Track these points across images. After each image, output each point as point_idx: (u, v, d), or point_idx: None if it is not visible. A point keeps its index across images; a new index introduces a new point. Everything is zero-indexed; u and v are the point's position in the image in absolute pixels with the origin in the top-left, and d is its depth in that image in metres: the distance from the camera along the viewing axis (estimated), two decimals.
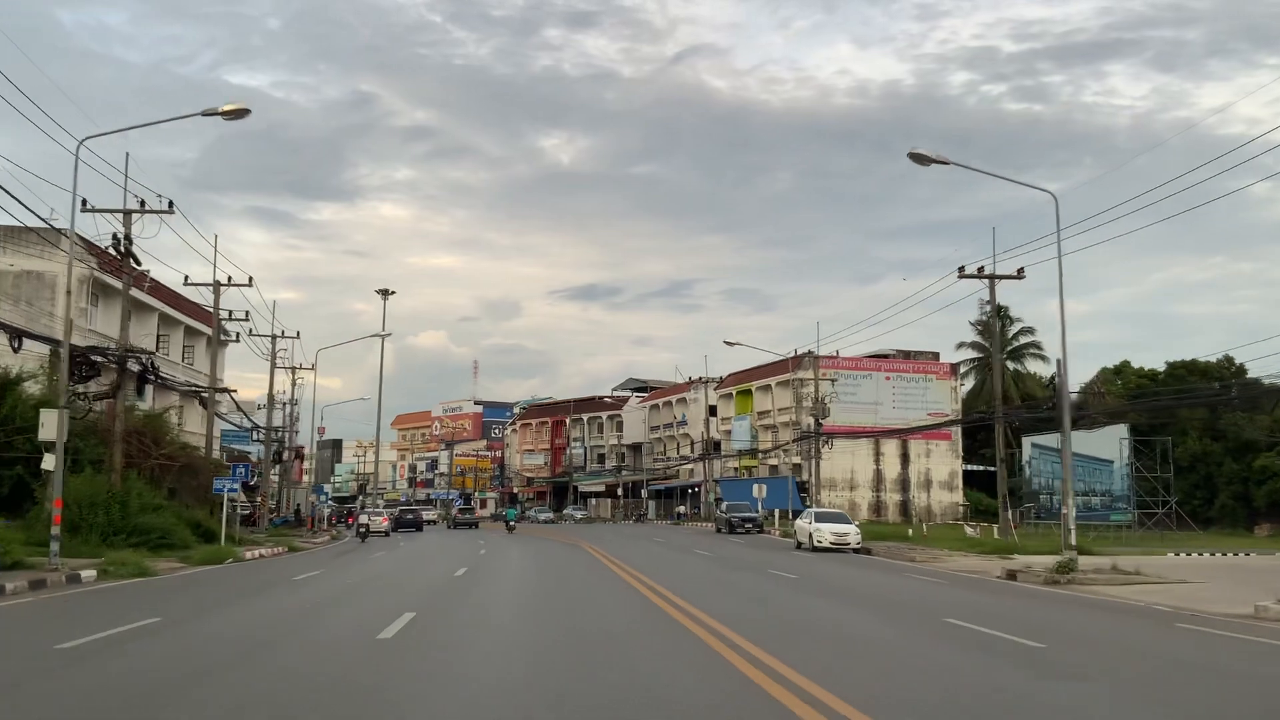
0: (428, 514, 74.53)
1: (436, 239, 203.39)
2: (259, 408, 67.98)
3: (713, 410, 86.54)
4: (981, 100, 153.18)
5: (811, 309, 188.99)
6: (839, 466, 68.61)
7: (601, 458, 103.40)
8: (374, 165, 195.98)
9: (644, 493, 78.99)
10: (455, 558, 28.74)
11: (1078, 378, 69.47)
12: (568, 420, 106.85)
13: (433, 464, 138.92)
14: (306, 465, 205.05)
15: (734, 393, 79.08)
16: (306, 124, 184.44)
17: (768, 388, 75.00)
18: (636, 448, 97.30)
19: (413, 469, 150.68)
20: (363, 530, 48.20)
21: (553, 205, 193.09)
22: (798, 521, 35.37)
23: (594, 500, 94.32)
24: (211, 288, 39.22)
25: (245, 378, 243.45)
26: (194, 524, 30.85)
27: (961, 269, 34.77)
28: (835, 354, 65.56)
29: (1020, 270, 34.82)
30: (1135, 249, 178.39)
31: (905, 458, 70.71)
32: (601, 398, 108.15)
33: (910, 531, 40.85)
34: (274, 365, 47.81)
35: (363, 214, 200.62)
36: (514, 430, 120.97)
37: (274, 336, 47.85)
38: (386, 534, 52.78)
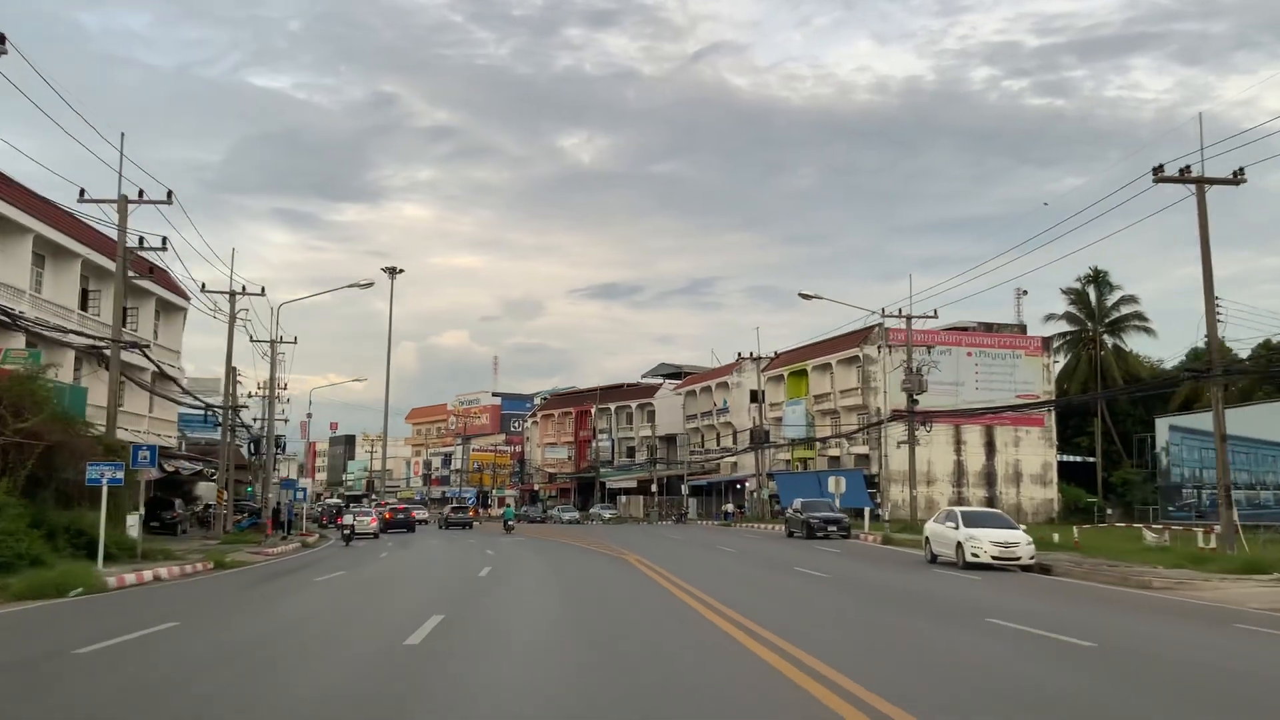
0: (420, 513, 69.01)
1: (458, 239, 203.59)
2: (250, 394, 58.80)
3: (754, 396, 76.50)
4: (1003, 96, 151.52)
5: (830, 306, 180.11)
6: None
7: (631, 451, 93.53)
8: (396, 166, 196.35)
9: (684, 489, 69.13)
10: (435, 585, 18.99)
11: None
12: (594, 410, 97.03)
13: (448, 459, 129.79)
14: (320, 462, 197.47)
15: (785, 374, 68.96)
16: (329, 125, 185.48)
17: (826, 367, 64.85)
18: (670, 439, 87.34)
19: (428, 465, 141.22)
20: (347, 533, 41.94)
21: (574, 204, 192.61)
22: (933, 525, 25.34)
23: (623, 498, 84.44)
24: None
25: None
26: (70, 529, 21.29)
27: (1159, 169, 24.67)
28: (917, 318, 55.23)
29: (1238, 171, 24.78)
30: None
31: (991, 447, 60.40)
32: (631, 385, 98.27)
33: (1057, 537, 30.64)
34: (233, 324, 38.13)
35: (385, 214, 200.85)
36: (534, 422, 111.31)
37: (232, 294, 38.19)
38: (375, 535, 47.20)
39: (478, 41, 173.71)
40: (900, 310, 39.88)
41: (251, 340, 48.70)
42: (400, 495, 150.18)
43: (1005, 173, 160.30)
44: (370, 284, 48.53)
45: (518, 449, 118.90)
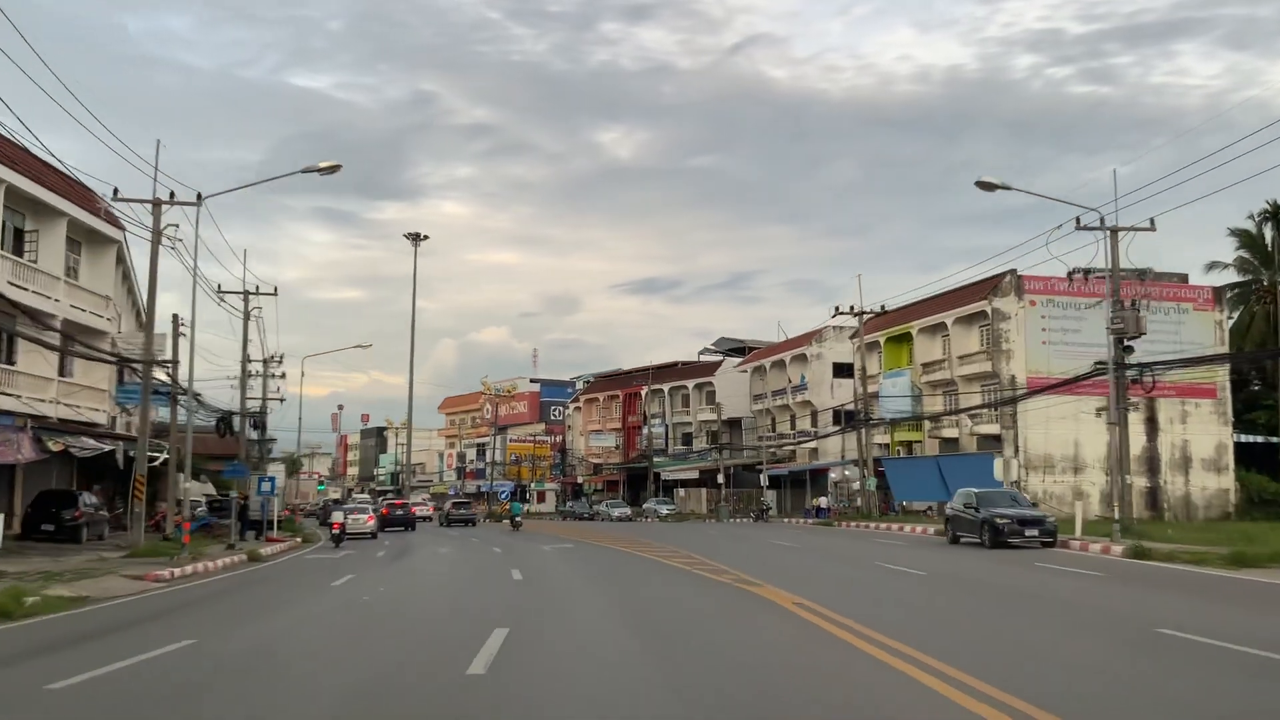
0: (424, 509, 66.21)
1: (497, 235, 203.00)
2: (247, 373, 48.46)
3: (838, 370, 64.53)
4: (1047, 84, 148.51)
5: (875, 299, 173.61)
6: (1056, 439, 46.29)
7: (688, 438, 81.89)
8: (435, 164, 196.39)
9: (763, 480, 57.35)
10: (428, 627, 7.35)
11: None
12: (644, 392, 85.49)
13: (482, 451, 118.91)
14: (351, 456, 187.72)
15: (881, 341, 56.87)
16: (368, 124, 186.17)
17: (937, 329, 52.75)
18: (734, 424, 75.61)
19: (461, 458, 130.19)
20: (336, 533, 35.20)
21: (612, 199, 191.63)
22: None
23: (681, 491, 72.76)
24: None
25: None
26: None
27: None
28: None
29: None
30: None
31: (1152, 424, 47.90)
32: (687, 364, 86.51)
33: None
34: (156, 242, 26.83)
35: (424, 212, 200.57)
36: (576, 408, 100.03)
37: (156, 201, 26.91)
38: (373, 535, 40.85)
39: (515, 38, 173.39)
40: (1102, 219, 27.68)
41: (221, 295, 37.99)
42: (433, 490, 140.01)
43: (1048, 162, 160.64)
44: (334, 168, 26.89)
45: (558, 439, 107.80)
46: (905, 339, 55.04)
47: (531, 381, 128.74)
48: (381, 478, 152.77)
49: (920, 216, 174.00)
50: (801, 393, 65.95)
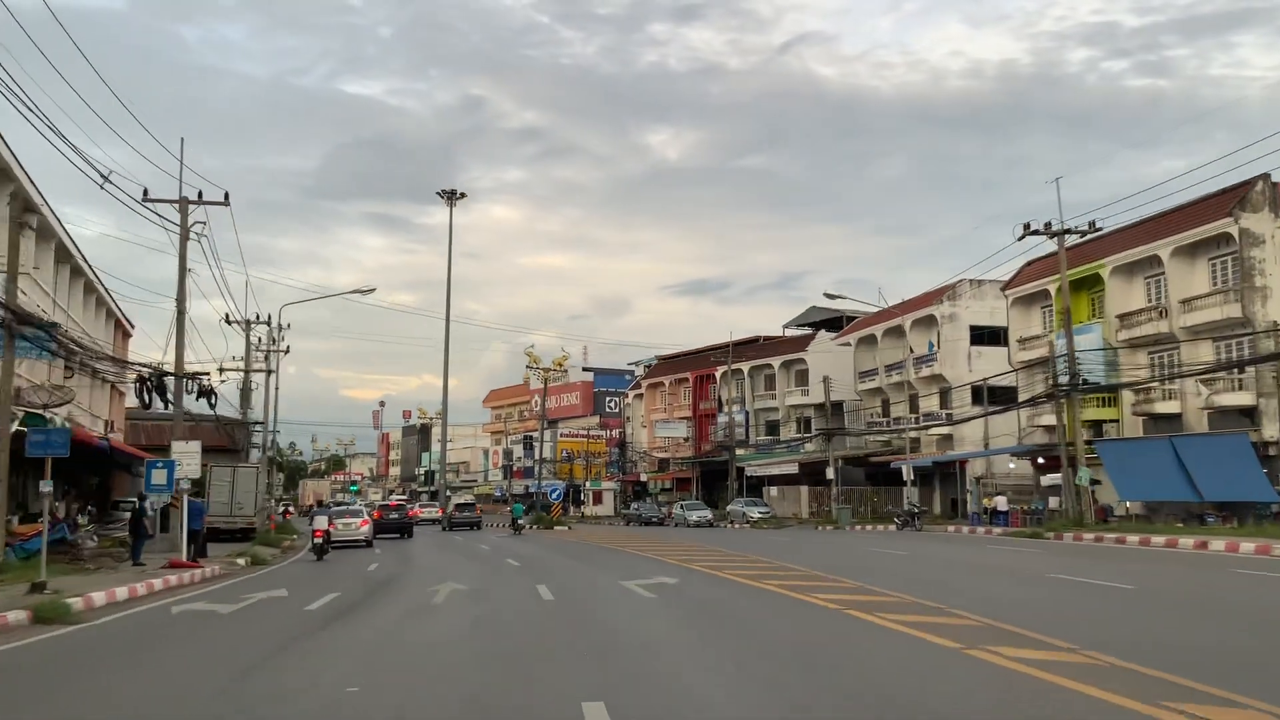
0: (430, 510, 64.40)
1: (547, 238, 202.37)
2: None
3: (981, 335, 50.95)
4: (1102, 78, 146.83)
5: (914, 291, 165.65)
6: None
7: (773, 426, 68.60)
8: (485, 168, 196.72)
9: (907, 473, 43.73)
10: None
11: None
12: (719, 374, 72.33)
13: (529, 444, 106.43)
14: (394, 456, 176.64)
15: (1051, 289, 43.24)
16: (419, 130, 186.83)
17: (1141, 266, 39.02)
18: (833, 409, 62.16)
19: (508, 455, 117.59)
20: (319, 543, 27.19)
21: (661, 201, 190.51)
22: None
23: (773, 489, 59.33)
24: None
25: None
26: None
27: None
28: None
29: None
30: None
31: None
32: (770, 339, 73.08)
33: None
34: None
35: (475, 216, 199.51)
36: (638, 395, 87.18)
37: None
38: (367, 543, 34.37)
39: (564, 41, 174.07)
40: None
41: (148, 201, 26.11)
42: (477, 491, 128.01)
43: (1105, 157, 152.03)
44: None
45: (615, 433, 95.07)
46: (1089, 284, 41.25)
47: (585, 370, 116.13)
48: (422, 478, 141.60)
49: (972, 214, 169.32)
50: (927, 365, 52.34)
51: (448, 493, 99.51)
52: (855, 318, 64.96)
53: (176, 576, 19.09)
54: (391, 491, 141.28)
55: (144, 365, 26.66)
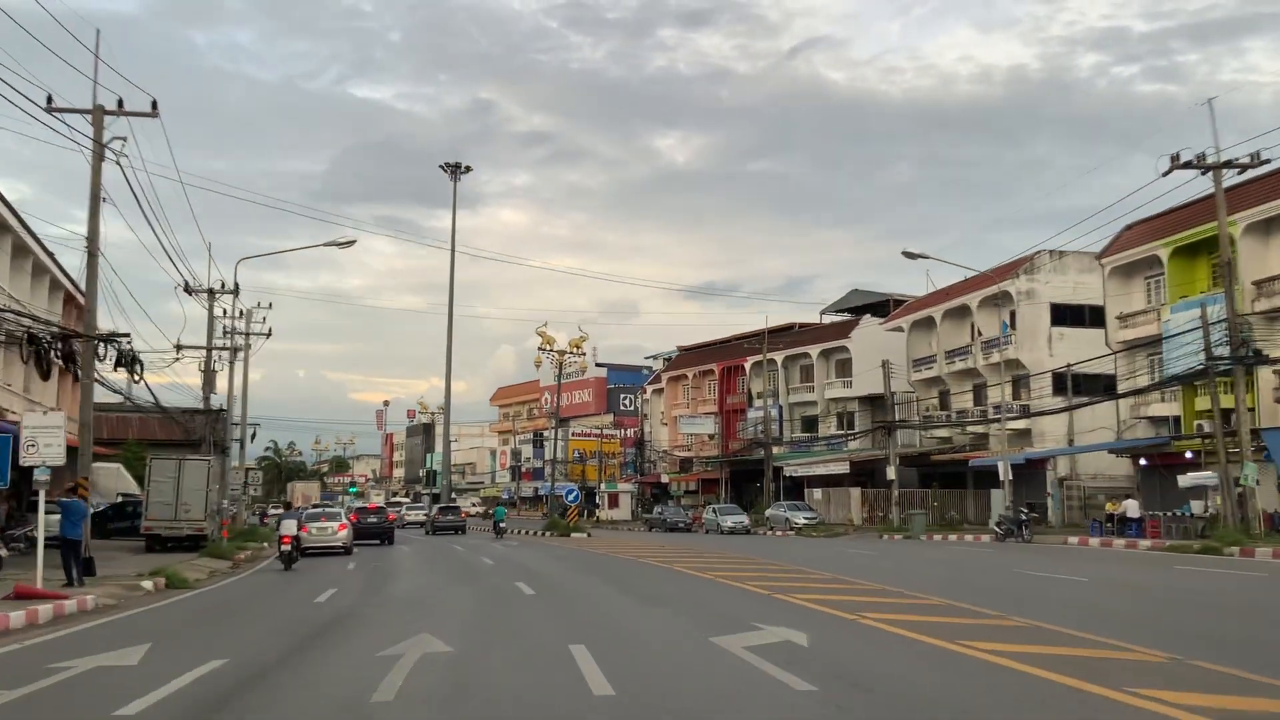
0: (415, 513, 63.87)
1: (555, 242, 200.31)
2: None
3: (1064, 314, 44.24)
4: (1112, 83, 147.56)
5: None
6: None
7: (810, 422, 61.90)
8: (494, 172, 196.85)
9: (1004, 471, 36.57)
10: None
11: None
12: (749, 365, 65.67)
13: (539, 442, 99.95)
14: (398, 457, 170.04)
15: (1163, 254, 36.48)
16: (428, 134, 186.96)
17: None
18: (876, 401, 55.45)
19: (516, 455, 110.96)
20: (287, 550, 23.26)
21: (669, 205, 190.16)
22: None
23: (817, 492, 52.43)
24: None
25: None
26: None
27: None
28: None
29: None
30: None
31: None
32: (807, 326, 66.33)
33: None
34: None
35: (483, 220, 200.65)
36: (657, 390, 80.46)
37: None
38: (345, 549, 29.39)
39: (572, 46, 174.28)
40: None
41: (52, 109, 19.68)
42: (484, 493, 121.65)
43: (1114, 162, 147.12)
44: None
45: (630, 432, 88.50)
46: (1208, 247, 34.44)
47: (598, 366, 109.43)
48: (424, 479, 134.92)
49: (981, 219, 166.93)
50: (999, 350, 45.54)
51: (452, 495, 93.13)
52: (904, 300, 58.22)
53: (21, 613, 12.56)
54: (395, 494, 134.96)
55: (33, 319, 20.02)
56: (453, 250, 72.56)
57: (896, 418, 46.74)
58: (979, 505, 44.67)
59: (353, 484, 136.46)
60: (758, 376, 66.23)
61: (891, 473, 42.22)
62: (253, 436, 52.47)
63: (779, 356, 62.34)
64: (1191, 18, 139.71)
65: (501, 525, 45.67)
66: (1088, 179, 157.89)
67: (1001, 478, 35.35)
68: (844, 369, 59.54)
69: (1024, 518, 30.43)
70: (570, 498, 46.70)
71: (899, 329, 54.14)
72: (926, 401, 52.11)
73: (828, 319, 66.29)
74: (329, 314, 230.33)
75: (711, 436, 69.18)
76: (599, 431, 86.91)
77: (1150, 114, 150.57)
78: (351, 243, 27.63)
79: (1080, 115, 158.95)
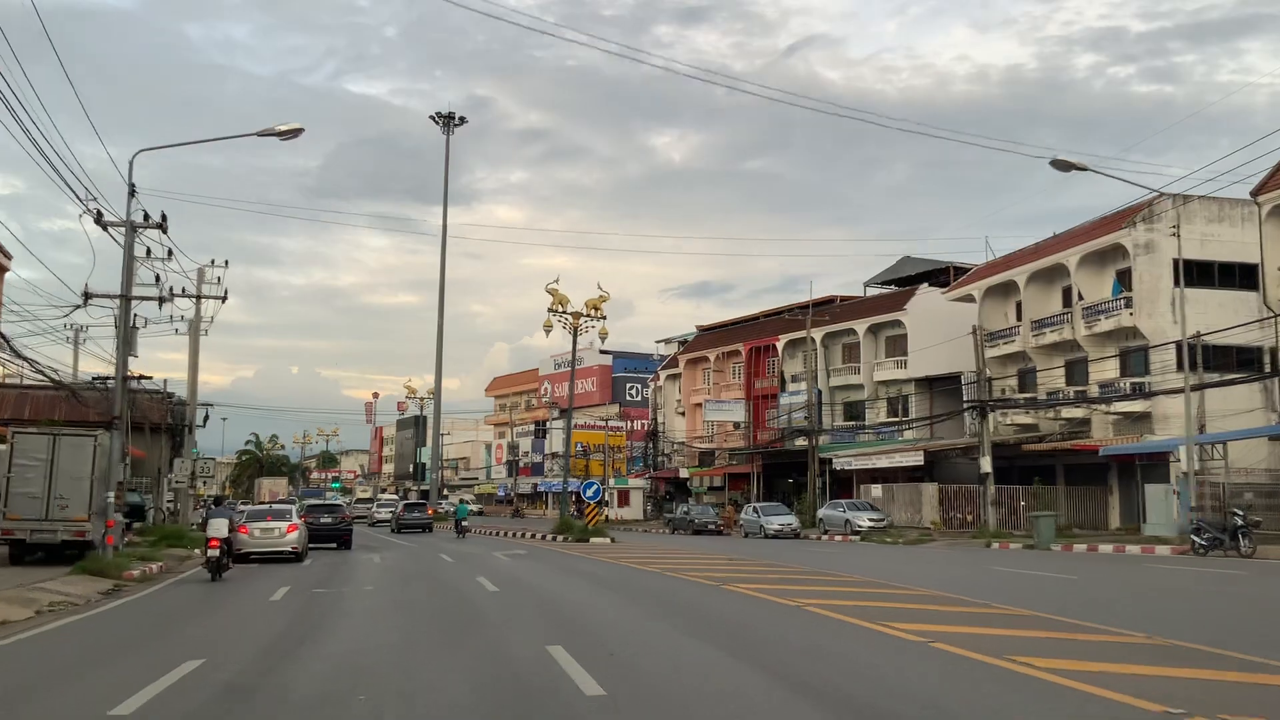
0: (384, 511, 58.61)
1: (550, 240, 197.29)
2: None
3: (1197, 272, 36.14)
4: (1109, 83, 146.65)
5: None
6: None
7: (854, 409, 53.86)
8: (489, 169, 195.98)
9: (1188, 463, 28.35)
10: None
11: None
12: (781, 344, 57.64)
13: (541, 432, 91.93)
14: (387, 451, 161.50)
15: None
16: (424, 130, 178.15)
17: None
18: (938, 383, 47.44)
19: (513, 450, 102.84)
20: (215, 556, 18.57)
21: (665, 203, 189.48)
22: None
23: (874, 488, 44.15)
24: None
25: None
26: None
27: None
28: None
29: None
30: None
31: None
32: (849, 300, 58.09)
33: None
34: None
35: (478, 217, 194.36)
36: (671, 376, 72.29)
37: None
38: (295, 554, 23.95)
39: (569, 43, 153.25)
40: None
41: None
42: (478, 489, 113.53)
43: (1111, 163, 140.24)
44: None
45: (640, 424, 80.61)
46: None
47: (601, 353, 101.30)
48: (412, 472, 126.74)
49: (977, 219, 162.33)
50: (1108, 316, 37.50)
51: (444, 491, 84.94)
52: (967, 269, 50.14)
53: None
54: (383, 489, 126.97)
55: None
56: (444, 208, 64.46)
57: (978, 398, 38.44)
58: (1110, 504, 36.76)
59: (336, 479, 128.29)
60: (791, 357, 58.16)
61: (986, 464, 34.04)
62: (204, 420, 44.61)
63: (817, 334, 54.15)
64: (1189, 18, 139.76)
65: (464, 524, 40.83)
66: (1082, 179, 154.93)
67: (1184, 468, 27.15)
68: (895, 347, 51.48)
69: (1240, 523, 22.22)
70: (591, 493, 38.39)
71: (968, 298, 46.03)
72: (1002, 383, 43.98)
73: (872, 293, 58.21)
74: (324, 311, 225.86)
75: (737, 425, 61.09)
76: (604, 423, 78.87)
77: (1147, 114, 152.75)
78: (296, 132, 19.51)
79: (1077, 115, 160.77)
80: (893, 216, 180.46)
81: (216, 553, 18.40)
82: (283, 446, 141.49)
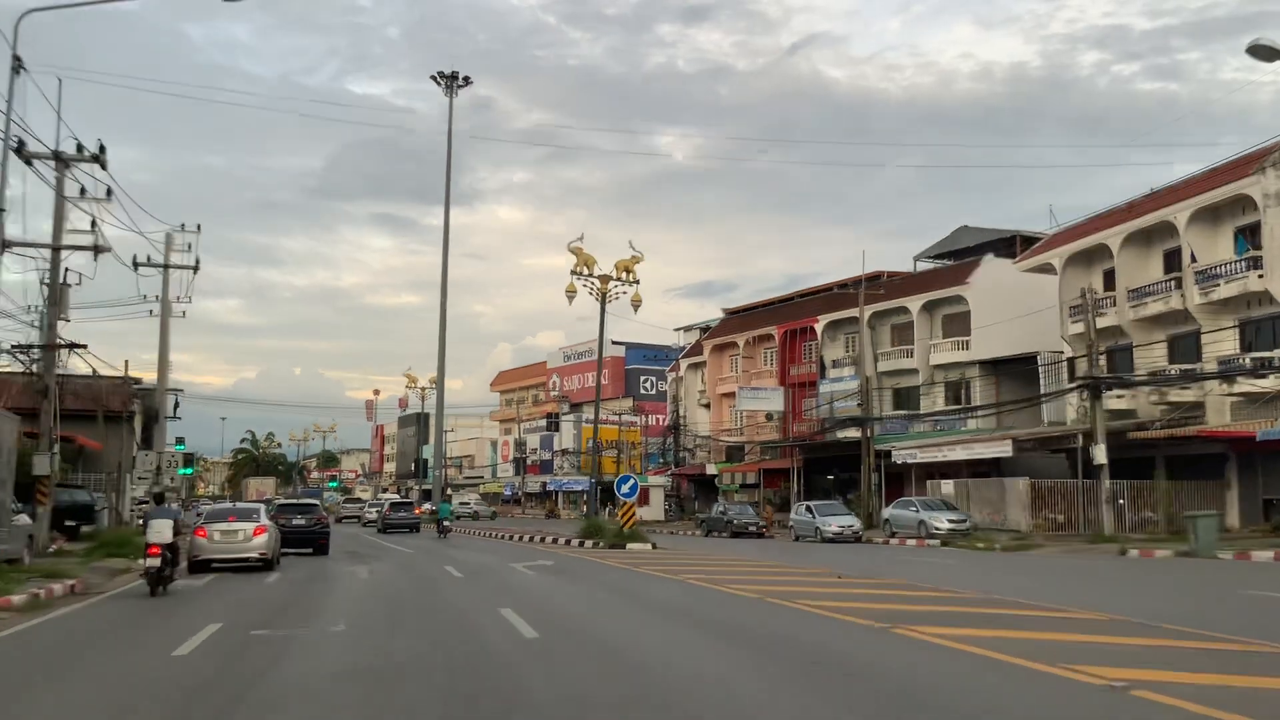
0: (371, 511, 56.64)
1: (552, 239, 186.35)
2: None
3: None
4: (1113, 81, 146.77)
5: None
6: None
7: (905, 395, 48.24)
8: (491, 169, 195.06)
9: None
10: None
11: None
12: (822, 327, 52.08)
13: (552, 426, 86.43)
14: (389, 450, 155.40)
15: None
16: (427, 130, 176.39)
17: None
18: (1005, 366, 41.84)
19: (520, 446, 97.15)
20: (155, 566, 15.18)
21: (668, 203, 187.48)
22: None
23: (943, 484, 38.29)
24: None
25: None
26: None
27: None
28: None
29: None
30: None
31: None
32: (899, 275, 52.18)
33: None
34: None
35: (480, 217, 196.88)
36: (694, 365, 66.66)
37: None
38: (264, 563, 20.36)
39: (571, 42, 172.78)
40: None
41: None
42: (484, 489, 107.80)
43: (1115, 160, 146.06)
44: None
45: (656, 418, 75.00)
46: None
47: (614, 344, 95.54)
48: (414, 470, 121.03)
49: (982, 217, 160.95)
50: (1227, 280, 31.84)
51: (447, 490, 79.22)
52: (1036, 239, 44.50)
53: None
54: (384, 489, 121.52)
55: None
56: (447, 195, 58.92)
57: (1089, 375, 32.83)
58: (1229, 501, 31.19)
59: (334, 479, 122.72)
60: (832, 340, 52.61)
61: (1100, 454, 28.39)
62: (175, 407, 39.21)
63: (868, 312, 48.35)
64: (1193, 15, 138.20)
65: (446, 525, 39.24)
66: (1087, 177, 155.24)
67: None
68: (954, 326, 45.89)
69: None
70: (627, 489, 32.64)
71: (1046, 267, 40.36)
72: (1094, 360, 38.27)
73: (923, 268, 52.57)
74: (326, 311, 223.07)
75: (769, 416, 55.49)
76: (618, 417, 73.35)
77: (1151, 112, 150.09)
78: None
79: (1082, 113, 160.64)
80: (897, 215, 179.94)
81: (157, 562, 15.07)
82: (279, 445, 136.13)
